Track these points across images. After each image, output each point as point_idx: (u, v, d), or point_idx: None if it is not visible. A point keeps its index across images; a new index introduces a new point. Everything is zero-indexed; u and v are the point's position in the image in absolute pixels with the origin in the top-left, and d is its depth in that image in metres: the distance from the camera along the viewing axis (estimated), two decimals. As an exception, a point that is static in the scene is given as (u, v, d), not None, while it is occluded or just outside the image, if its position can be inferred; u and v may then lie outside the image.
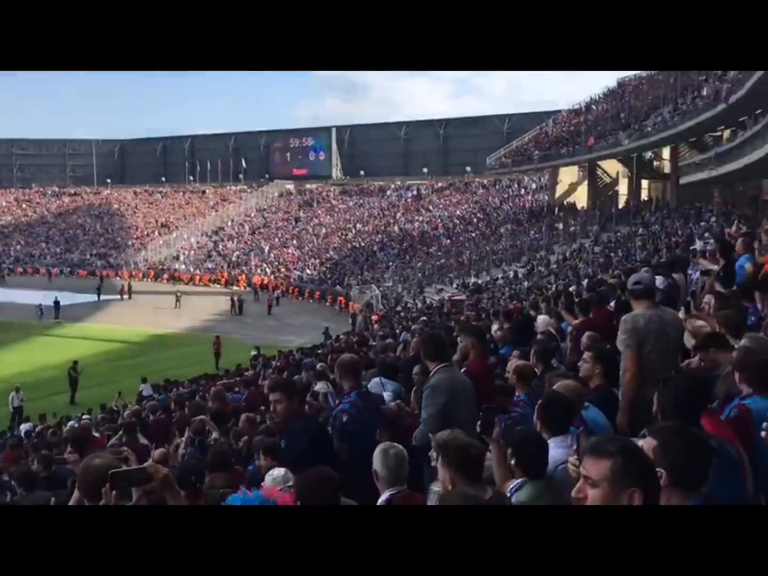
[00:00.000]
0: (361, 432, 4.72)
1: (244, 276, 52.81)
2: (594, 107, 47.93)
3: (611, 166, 43.86)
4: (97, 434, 10.87)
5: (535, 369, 6.02)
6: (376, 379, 7.14)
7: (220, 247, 60.77)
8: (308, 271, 51.32)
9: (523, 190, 53.47)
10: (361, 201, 62.00)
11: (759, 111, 26.51)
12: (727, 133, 35.10)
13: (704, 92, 30.90)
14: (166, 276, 56.33)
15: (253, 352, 24.51)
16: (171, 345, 31.85)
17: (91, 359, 27.55)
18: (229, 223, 64.60)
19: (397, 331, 18.68)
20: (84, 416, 15.92)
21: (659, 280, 6.79)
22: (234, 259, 57.44)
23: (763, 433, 2.16)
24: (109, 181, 79.24)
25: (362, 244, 53.32)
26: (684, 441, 2.29)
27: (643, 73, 47.88)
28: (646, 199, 41.52)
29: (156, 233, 66.23)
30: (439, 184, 60.01)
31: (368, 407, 4.95)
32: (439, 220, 52.92)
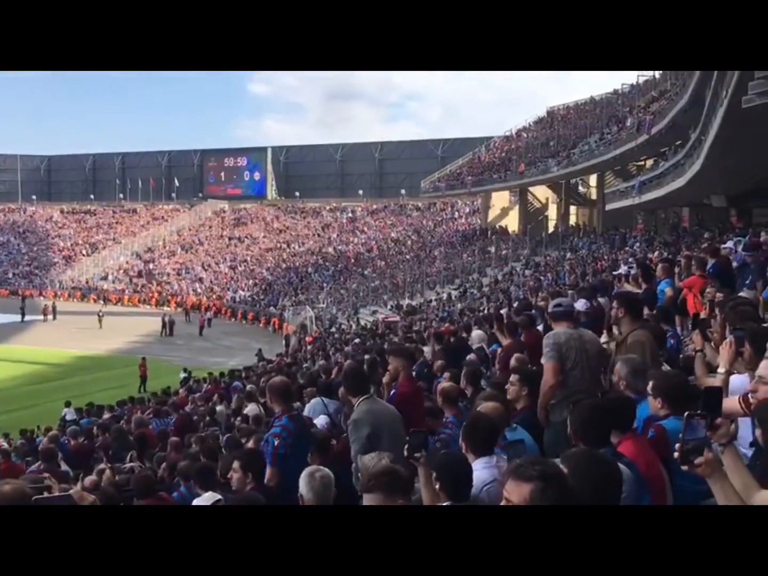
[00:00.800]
0: (292, 456, 4.69)
1: (175, 296, 51.72)
2: (525, 134, 49.32)
3: (541, 192, 45.11)
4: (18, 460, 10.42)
5: (466, 390, 6.10)
6: (318, 399, 7.29)
7: (151, 266, 59.39)
8: (242, 292, 50.67)
9: (456, 214, 54.36)
10: (296, 222, 61.79)
11: (679, 142, 27.81)
12: (650, 163, 36.67)
13: (628, 123, 32.19)
14: (93, 296, 54.62)
15: (183, 375, 23.87)
16: (96, 367, 30.77)
17: (13, 382, 26.38)
18: (161, 243, 63.26)
19: (330, 352, 18.60)
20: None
21: (581, 304, 6.97)
22: (165, 279, 56.21)
23: (675, 454, 2.25)
24: (34, 197, 76.52)
25: (297, 265, 53.06)
26: (591, 467, 2.36)
27: (571, 103, 49.71)
28: (574, 224, 42.81)
29: (83, 252, 64.24)
30: (374, 206, 60.41)
31: (300, 431, 4.92)
32: (373, 242, 53.20)
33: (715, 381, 3.74)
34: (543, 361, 4.85)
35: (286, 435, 4.74)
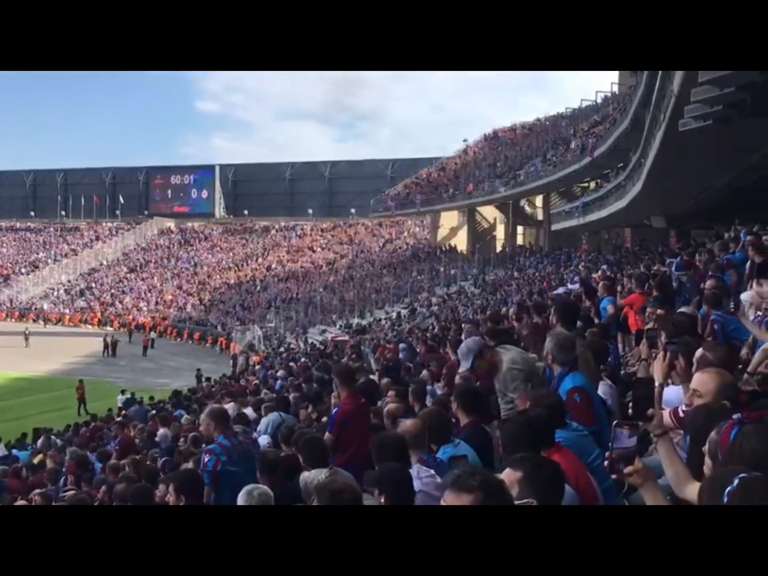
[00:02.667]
0: (229, 474, 4.64)
1: (118, 316, 50.50)
2: (473, 156, 50.10)
3: (489, 212, 45.79)
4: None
5: (414, 407, 6.07)
6: (276, 414, 7.69)
7: (94, 285, 57.92)
8: (188, 311, 49.79)
9: (405, 233, 54.69)
10: (244, 240, 61.21)
11: (620, 165, 28.60)
12: (593, 185, 37.60)
13: (572, 145, 33.01)
14: (32, 316, 52.92)
15: (121, 396, 22.84)
16: (33, 389, 29.70)
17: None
18: (104, 261, 61.80)
19: (278, 373, 18.37)
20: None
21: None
22: (108, 298, 54.86)
23: (605, 463, 2.32)
24: (-29, 214, 74.08)
25: (245, 283, 52.47)
26: (547, 472, 2.42)
27: (518, 123, 50.77)
28: (521, 244, 43.54)
29: (23, 271, 62.28)
30: (324, 225, 60.33)
31: (238, 448, 4.83)
32: (323, 261, 53.04)
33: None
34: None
35: (219, 451, 4.70)
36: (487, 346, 5.07)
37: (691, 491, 2.34)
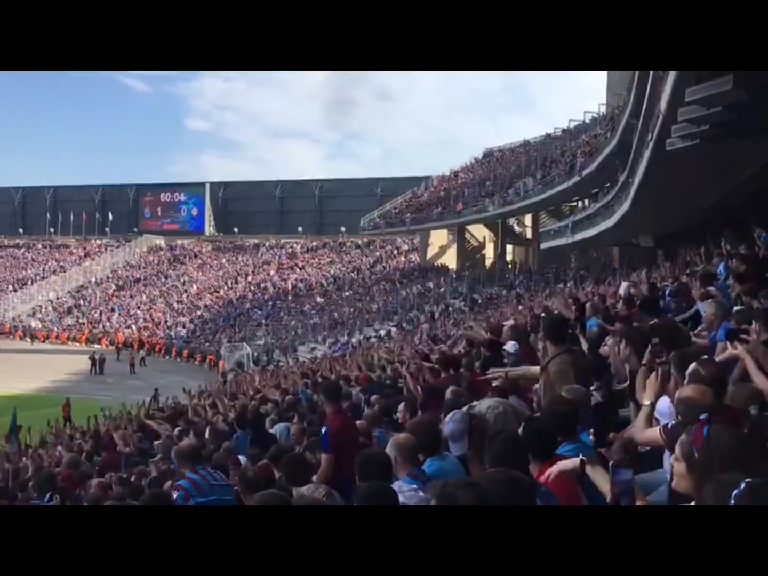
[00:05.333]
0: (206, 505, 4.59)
1: (106, 334, 50.17)
2: (462, 175, 50.35)
3: (479, 231, 45.93)
4: None
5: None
6: (284, 424, 8.14)
7: (82, 303, 57.57)
8: (177, 329, 49.52)
9: (395, 251, 54.77)
10: (234, 258, 61.13)
11: (608, 185, 28.85)
12: (581, 204, 37.90)
13: (561, 165, 33.27)
14: (19, 333, 52.50)
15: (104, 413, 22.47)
16: (20, 407, 29.31)
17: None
18: (93, 279, 61.50)
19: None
20: None
21: (510, 346, 7.00)
22: (97, 316, 54.51)
23: (608, 498, 2.38)
24: (-41, 230, 73.69)
25: (234, 301, 52.32)
26: (508, 485, 2.35)
27: (508, 144, 51.14)
28: (510, 262, 43.67)
29: (10, 288, 61.84)
30: (314, 243, 60.38)
31: (207, 480, 4.80)
32: (312, 279, 53.01)
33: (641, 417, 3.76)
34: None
35: (189, 486, 4.68)
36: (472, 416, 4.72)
37: None
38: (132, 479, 7.96)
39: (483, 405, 4.32)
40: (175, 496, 4.66)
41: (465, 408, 4.27)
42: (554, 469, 3.03)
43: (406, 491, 3.34)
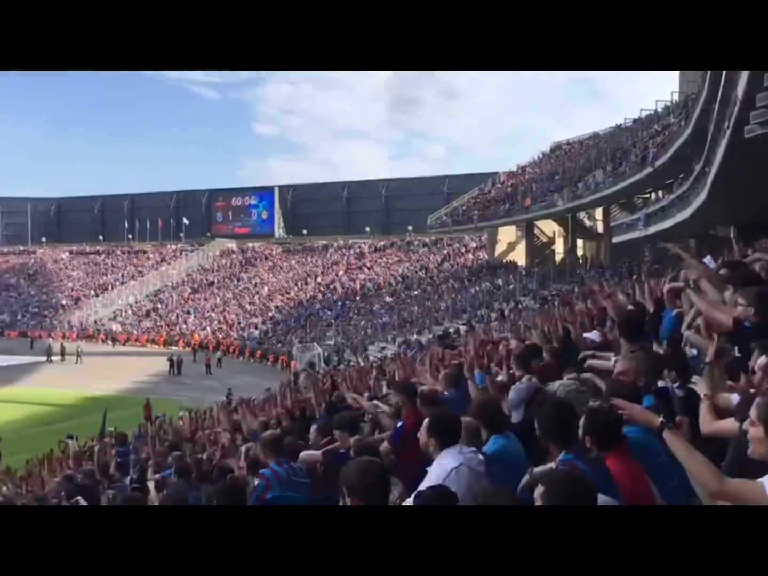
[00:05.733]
0: (280, 499, 4.68)
1: (183, 336, 51.77)
2: (530, 170, 49.64)
3: (548, 226, 45.19)
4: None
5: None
6: None
7: (160, 306, 59.58)
8: (250, 330, 50.66)
9: (463, 249, 54.47)
10: (303, 259, 62.05)
11: (682, 175, 27.93)
12: (654, 196, 36.77)
13: (632, 156, 32.37)
14: (101, 336, 54.78)
15: (182, 413, 23.33)
16: (101, 408, 30.61)
17: (21, 423, 26.27)
18: (169, 283, 63.56)
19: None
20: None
21: (594, 334, 6.90)
22: (173, 318, 56.31)
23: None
24: (44, 240, 77.32)
25: (305, 302, 53.10)
26: (563, 485, 2.37)
27: (576, 137, 50.09)
28: (581, 257, 42.80)
29: (92, 293, 64.60)
30: (381, 243, 60.64)
31: (289, 474, 4.92)
32: (381, 278, 53.28)
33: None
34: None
35: (270, 476, 4.80)
36: (539, 390, 4.65)
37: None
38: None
39: (557, 383, 4.40)
40: (256, 482, 4.79)
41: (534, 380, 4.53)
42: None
43: (467, 453, 3.53)
